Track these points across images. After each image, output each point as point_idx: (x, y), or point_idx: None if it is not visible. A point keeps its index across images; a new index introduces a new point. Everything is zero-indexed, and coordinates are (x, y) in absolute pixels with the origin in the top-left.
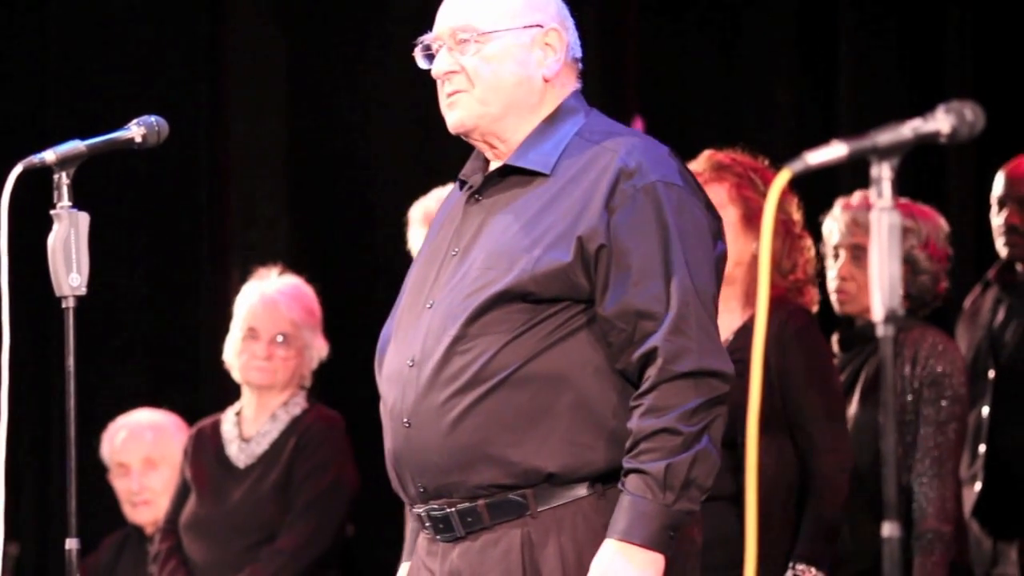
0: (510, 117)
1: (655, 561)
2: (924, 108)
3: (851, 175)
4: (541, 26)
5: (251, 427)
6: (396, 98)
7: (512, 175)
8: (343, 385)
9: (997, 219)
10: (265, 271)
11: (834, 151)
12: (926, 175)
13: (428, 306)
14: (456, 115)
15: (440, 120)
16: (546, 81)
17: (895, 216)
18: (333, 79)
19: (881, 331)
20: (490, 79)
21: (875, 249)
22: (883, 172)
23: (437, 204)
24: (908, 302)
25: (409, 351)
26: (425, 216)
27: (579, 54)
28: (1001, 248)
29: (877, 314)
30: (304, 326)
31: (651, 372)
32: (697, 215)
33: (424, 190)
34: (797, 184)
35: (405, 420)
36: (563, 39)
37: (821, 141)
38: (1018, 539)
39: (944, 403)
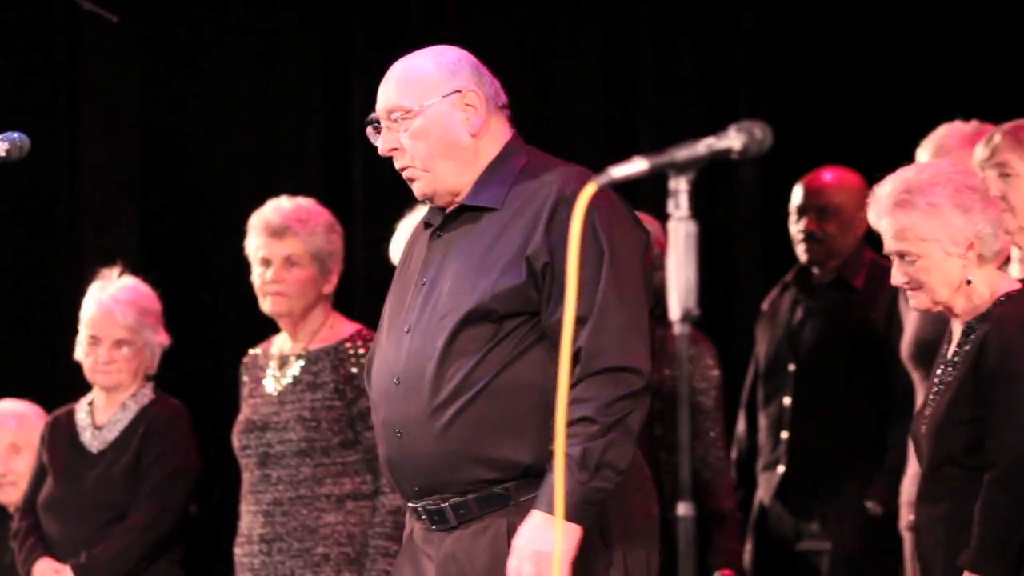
0: (452, 176)
1: (573, 531)
2: (718, 127)
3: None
4: (459, 91)
5: (102, 416)
6: (239, 114)
7: (467, 212)
8: (188, 373)
9: (796, 227)
10: (107, 271)
11: (636, 166)
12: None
13: (406, 331)
14: (417, 188)
15: (278, 134)
16: (474, 136)
17: (691, 225)
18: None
19: (678, 329)
20: (424, 152)
21: (672, 255)
22: (680, 185)
23: (273, 213)
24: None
25: (393, 371)
26: (264, 224)
27: (503, 101)
28: (801, 254)
29: (674, 314)
30: (141, 327)
31: (577, 369)
32: (625, 231)
33: (259, 200)
34: None
35: (397, 431)
36: (481, 96)
37: (624, 157)
38: (818, 517)
39: (713, 395)
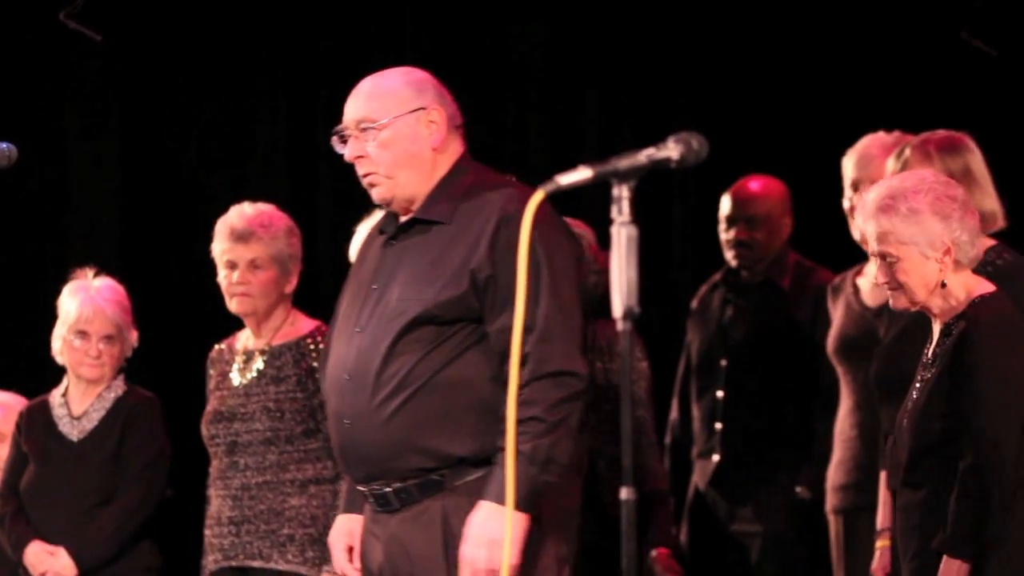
0: (412, 185)
1: (521, 519)
2: (657, 138)
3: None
4: (424, 108)
5: (78, 406)
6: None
7: (418, 224)
8: (159, 368)
9: (726, 235)
10: (82, 272)
11: (581, 174)
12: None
13: (357, 330)
14: (376, 193)
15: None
16: (434, 150)
17: (632, 229)
18: (162, 112)
19: (621, 326)
20: (389, 161)
21: (615, 257)
22: (623, 192)
23: (238, 218)
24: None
25: (344, 366)
26: (229, 230)
27: (460, 121)
28: (731, 259)
29: (617, 312)
30: (123, 324)
31: (524, 373)
32: (562, 245)
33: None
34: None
35: (346, 421)
36: (443, 114)
37: (571, 166)
38: (750, 502)
39: (643, 385)
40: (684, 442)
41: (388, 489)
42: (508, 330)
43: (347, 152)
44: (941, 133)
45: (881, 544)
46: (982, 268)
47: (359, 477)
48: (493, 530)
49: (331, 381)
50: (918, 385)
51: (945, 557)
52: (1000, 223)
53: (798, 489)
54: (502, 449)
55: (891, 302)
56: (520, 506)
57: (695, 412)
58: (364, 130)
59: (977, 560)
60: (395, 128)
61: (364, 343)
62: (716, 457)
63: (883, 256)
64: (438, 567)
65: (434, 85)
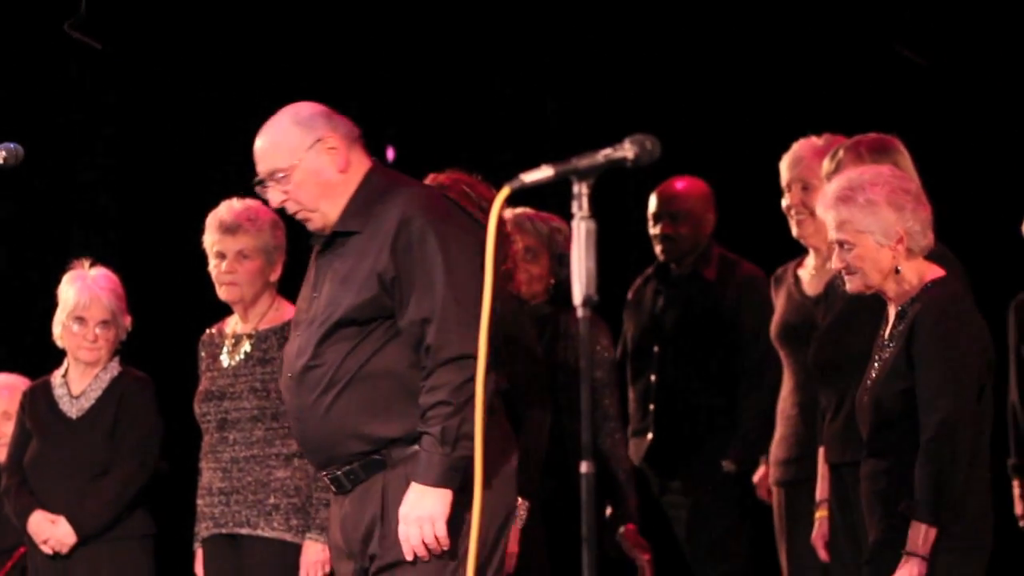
0: (335, 208)
1: (444, 495)
2: (614, 139)
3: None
4: (320, 139)
5: (77, 386)
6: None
7: (339, 236)
8: (154, 351)
9: (653, 230)
10: (79, 263)
11: (543, 172)
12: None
13: (297, 334)
14: (310, 226)
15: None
16: (341, 172)
17: (591, 224)
18: (158, 115)
19: (580, 312)
20: (306, 196)
21: (575, 249)
22: (582, 189)
23: (227, 212)
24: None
25: (290, 366)
26: (219, 223)
27: (357, 134)
28: (659, 253)
29: (577, 299)
30: (117, 310)
31: (428, 361)
32: (457, 236)
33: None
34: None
35: (296, 417)
36: (338, 138)
37: (533, 164)
38: (680, 476)
39: (606, 369)
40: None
41: (339, 472)
42: (416, 323)
43: (271, 200)
44: (872, 135)
45: (820, 514)
46: None
47: (316, 465)
48: (422, 508)
49: (282, 381)
50: (876, 364)
51: (913, 522)
52: None
53: (725, 463)
54: (420, 434)
55: (848, 285)
56: (440, 483)
57: (631, 394)
58: (278, 179)
59: (942, 523)
60: (301, 168)
61: (300, 345)
62: (650, 435)
63: (841, 243)
64: (373, 534)
65: (322, 113)
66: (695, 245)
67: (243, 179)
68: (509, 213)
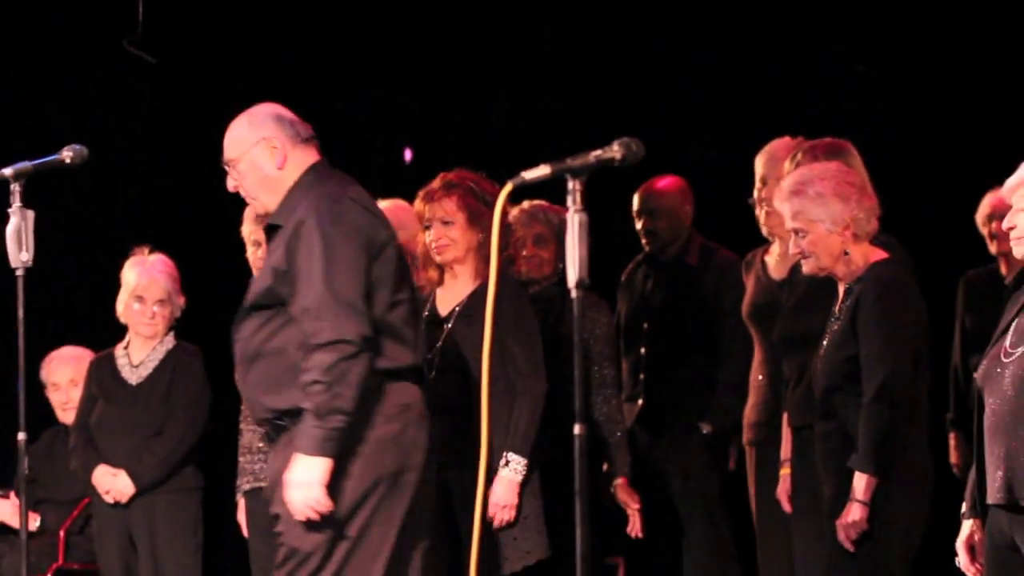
0: (272, 200)
1: (320, 462)
2: (604, 141)
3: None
4: (265, 138)
5: (137, 357)
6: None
7: (272, 228)
8: (203, 326)
9: (638, 224)
10: (140, 249)
11: (541, 170)
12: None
13: None
14: (256, 211)
15: None
16: (280, 169)
17: (584, 216)
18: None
19: (574, 294)
20: (248, 186)
21: (570, 238)
22: (576, 186)
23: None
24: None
25: None
26: (255, 214)
27: (306, 135)
28: (645, 245)
29: (571, 282)
30: (173, 291)
31: (307, 346)
32: (342, 239)
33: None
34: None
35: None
36: (282, 138)
37: (533, 163)
38: (666, 438)
39: (603, 341)
40: None
41: (262, 431)
42: (299, 311)
43: (228, 183)
44: (827, 140)
45: (783, 472)
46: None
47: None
48: (301, 474)
49: None
50: (827, 337)
51: (856, 472)
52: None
53: (703, 425)
54: (303, 407)
55: (803, 268)
56: (316, 452)
57: (624, 365)
58: (231, 167)
59: (882, 473)
60: (246, 161)
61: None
62: (640, 401)
63: (796, 231)
64: (280, 483)
65: (272, 114)
66: (675, 236)
67: None
68: (527, 204)
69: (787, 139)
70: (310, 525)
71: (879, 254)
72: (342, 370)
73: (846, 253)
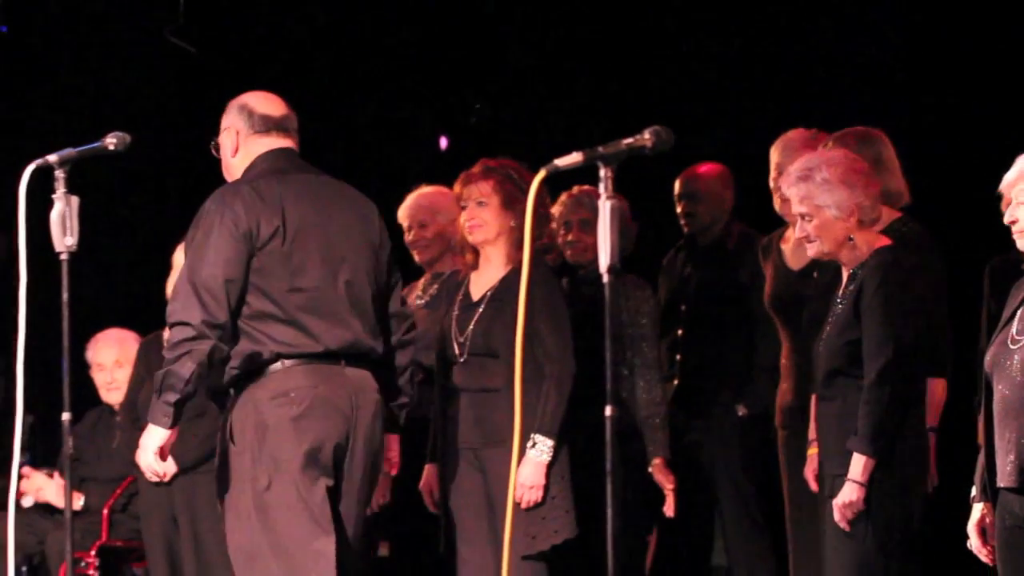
0: (231, 179)
1: (155, 431)
2: (635, 129)
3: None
4: (228, 127)
5: None
6: None
7: None
8: None
9: (678, 209)
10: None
11: (573, 158)
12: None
13: None
14: None
15: None
16: (233, 156)
17: (615, 203)
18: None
19: (605, 279)
20: (224, 164)
21: (601, 224)
22: (607, 173)
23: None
24: None
25: None
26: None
27: (268, 127)
28: (684, 228)
29: (603, 267)
30: None
31: None
32: (212, 224)
33: None
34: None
35: None
36: (240, 127)
37: (566, 151)
38: (701, 417)
39: (646, 323)
40: None
41: None
42: None
43: None
44: (859, 128)
45: (811, 452)
46: (891, 233)
47: None
48: (142, 440)
49: None
50: (831, 320)
51: (855, 454)
52: (906, 199)
53: (739, 408)
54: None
55: (808, 251)
56: (152, 420)
57: (662, 346)
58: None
59: (879, 455)
60: (220, 143)
61: None
62: (676, 382)
63: (802, 215)
64: None
65: (239, 105)
66: (714, 220)
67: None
68: (575, 190)
69: (802, 130)
70: (217, 490)
71: (883, 241)
72: (182, 350)
73: (851, 239)
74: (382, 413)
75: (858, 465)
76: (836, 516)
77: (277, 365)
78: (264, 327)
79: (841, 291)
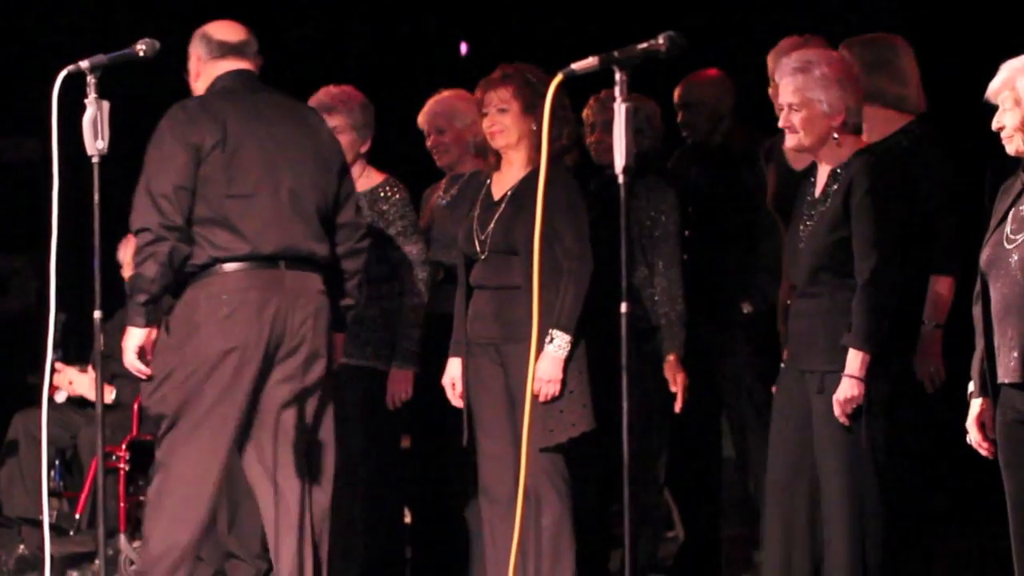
0: None
1: (133, 331)
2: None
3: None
4: (192, 52)
5: None
6: None
7: None
8: None
9: (679, 117)
10: None
11: (589, 62)
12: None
13: None
14: None
15: None
16: (194, 80)
17: (630, 105)
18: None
19: (620, 179)
20: (191, 90)
21: (617, 126)
22: (622, 77)
23: (324, 94)
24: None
25: None
26: (318, 103)
27: (223, 52)
28: (686, 138)
29: (618, 168)
30: None
31: None
32: (163, 135)
33: None
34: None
35: None
36: (198, 53)
37: (582, 56)
38: (707, 313)
39: (668, 222)
40: None
41: None
42: None
43: None
44: (877, 34)
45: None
46: (900, 137)
47: None
48: (123, 341)
49: None
50: (813, 216)
51: (851, 350)
52: (915, 104)
53: (743, 304)
54: None
55: (787, 142)
56: (128, 323)
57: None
58: None
59: (876, 350)
60: (189, 69)
61: None
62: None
63: (791, 105)
64: None
65: (200, 34)
66: (713, 126)
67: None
68: (603, 93)
69: (795, 37)
70: (153, 390)
71: (862, 143)
72: (145, 254)
73: (835, 138)
74: (327, 313)
75: (855, 361)
76: (836, 411)
77: (216, 268)
78: (205, 232)
79: (820, 189)
